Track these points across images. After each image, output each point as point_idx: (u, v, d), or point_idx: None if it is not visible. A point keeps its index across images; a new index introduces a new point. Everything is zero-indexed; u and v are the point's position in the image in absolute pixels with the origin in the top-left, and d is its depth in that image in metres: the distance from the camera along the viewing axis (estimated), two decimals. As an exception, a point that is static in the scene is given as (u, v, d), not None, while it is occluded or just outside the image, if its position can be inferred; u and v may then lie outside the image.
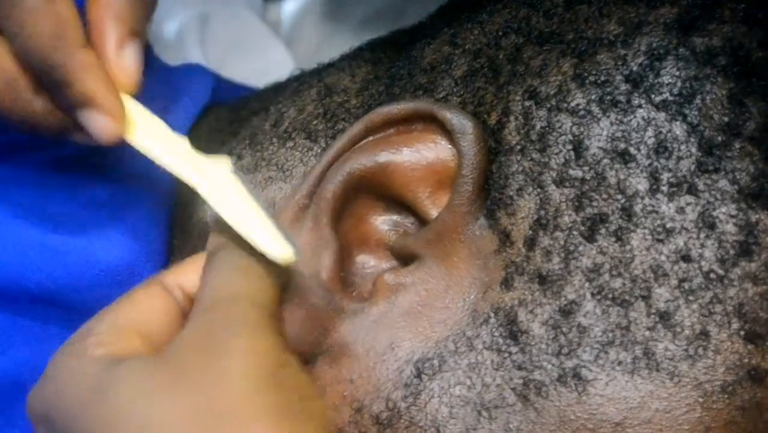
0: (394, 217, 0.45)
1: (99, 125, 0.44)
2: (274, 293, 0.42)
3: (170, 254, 0.51)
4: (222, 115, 0.54)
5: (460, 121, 0.43)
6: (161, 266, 0.50)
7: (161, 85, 0.54)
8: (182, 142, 0.45)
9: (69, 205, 0.50)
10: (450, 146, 0.43)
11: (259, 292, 0.41)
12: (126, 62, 0.45)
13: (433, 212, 0.44)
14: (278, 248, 0.42)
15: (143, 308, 0.43)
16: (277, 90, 0.54)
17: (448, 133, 0.43)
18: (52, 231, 0.49)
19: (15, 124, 0.46)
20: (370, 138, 0.45)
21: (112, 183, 0.51)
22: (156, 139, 0.45)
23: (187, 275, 0.44)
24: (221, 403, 0.37)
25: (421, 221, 0.44)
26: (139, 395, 0.38)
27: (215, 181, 0.44)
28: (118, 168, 0.51)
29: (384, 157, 0.44)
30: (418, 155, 0.44)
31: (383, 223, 0.45)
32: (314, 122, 0.49)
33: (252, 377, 0.38)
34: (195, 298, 0.42)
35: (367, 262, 0.44)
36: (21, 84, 0.45)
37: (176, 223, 0.52)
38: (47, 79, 0.44)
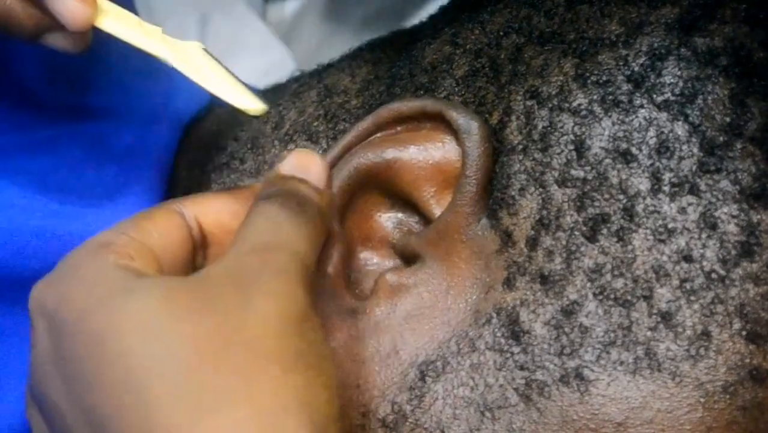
0: (399, 215, 0.45)
1: (69, 8, 0.44)
2: (315, 256, 0.41)
3: None
4: (222, 117, 0.54)
5: (467, 122, 0.43)
6: None
7: (161, 82, 0.54)
8: (155, 29, 0.46)
9: (69, 187, 0.50)
10: (457, 146, 0.44)
11: (303, 249, 0.40)
12: None
13: (437, 212, 0.44)
14: (249, 101, 0.43)
15: (162, 232, 0.42)
16: (276, 92, 0.54)
17: (455, 132, 0.43)
18: (52, 216, 0.49)
19: None
20: (379, 134, 0.45)
21: (112, 164, 0.51)
22: (128, 25, 0.46)
23: (206, 209, 0.44)
24: (244, 335, 0.37)
25: (425, 220, 0.44)
26: (163, 309, 0.37)
27: (186, 54, 0.45)
28: (118, 148, 0.51)
29: (391, 153, 0.44)
30: (426, 154, 0.44)
31: (388, 220, 0.45)
32: (315, 124, 0.49)
33: (279, 321, 0.37)
34: (236, 234, 0.41)
35: (370, 259, 0.45)
36: None
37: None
38: None
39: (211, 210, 0.44)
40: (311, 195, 0.42)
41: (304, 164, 0.43)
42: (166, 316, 0.37)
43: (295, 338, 0.37)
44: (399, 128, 0.45)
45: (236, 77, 0.44)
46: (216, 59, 0.45)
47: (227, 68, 0.45)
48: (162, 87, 0.55)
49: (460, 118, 0.43)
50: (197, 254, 0.43)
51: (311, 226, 0.41)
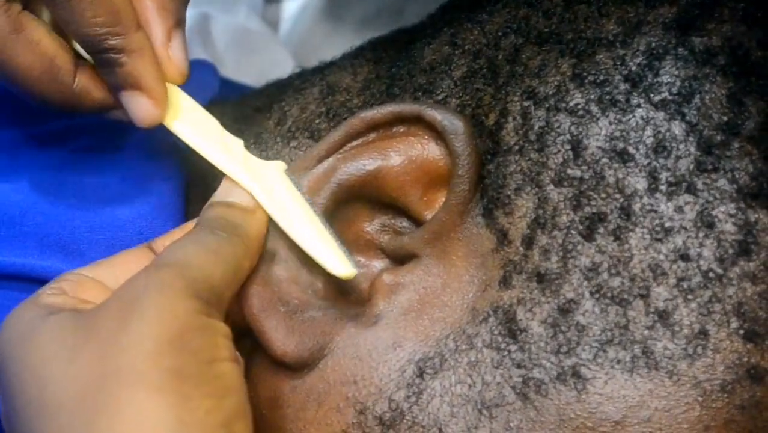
0: (383, 218, 0.45)
1: (141, 108, 0.45)
2: (225, 270, 0.42)
3: None
4: (225, 112, 0.54)
5: (451, 122, 0.43)
6: None
7: None
8: (236, 142, 0.46)
9: (91, 182, 0.50)
10: (438, 146, 0.44)
11: (196, 265, 0.41)
12: (175, 53, 0.46)
13: (426, 212, 0.44)
14: (337, 264, 0.43)
15: (120, 264, 0.44)
16: (279, 87, 0.54)
17: (435, 132, 0.44)
18: (77, 208, 0.49)
19: (52, 105, 0.47)
20: (352, 143, 0.45)
21: (124, 152, 0.51)
22: (204, 132, 0.46)
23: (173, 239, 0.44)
24: (115, 363, 0.38)
25: (414, 221, 0.44)
26: (55, 350, 0.39)
27: (269, 183, 0.45)
28: (130, 137, 0.51)
29: (372, 163, 0.44)
30: (407, 158, 0.44)
31: (370, 225, 0.45)
32: (317, 121, 0.49)
33: (153, 338, 0.39)
34: None
35: (358, 262, 0.44)
36: (60, 65, 0.45)
37: (195, 200, 0.52)
38: (99, 58, 0.45)
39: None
40: (234, 217, 0.44)
41: (229, 190, 0.45)
42: (57, 355, 0.39)
43: (170, 353, 0.39)
44: (372, 135, 0.45)
45: (323, 220, 0.44)
46: (297, 185, 0.44)
47: (309, 200, 0.44)
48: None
49: (445, 120, 0.43)
50: None
51: (225, 244, 0.42)
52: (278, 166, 0.45)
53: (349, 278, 0.43)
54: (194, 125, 0.46)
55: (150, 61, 0.45)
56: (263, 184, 0.44)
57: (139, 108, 0.45)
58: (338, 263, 0.43)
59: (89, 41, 0.45)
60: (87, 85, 0.46)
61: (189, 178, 0.51)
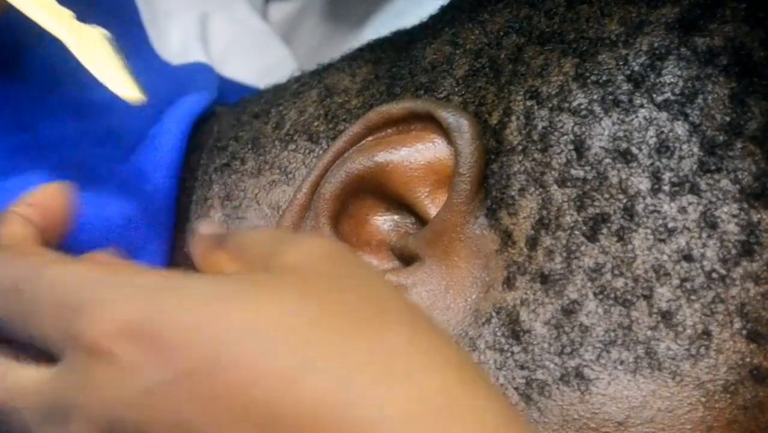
0: (395, 217, 0.45)
1: None
2: None
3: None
4: (223, 118, 0.54)
5: (456, 120, 0.43)
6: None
7: (165, 82, 0.54)
8: (66, 12, 0.47)
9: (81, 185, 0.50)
10: (448, 145, 0.44)
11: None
12: None
13: (433, 212, 0.44)
14: (128, 90, 0.45)
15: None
16: (277, 92, 0.54)
17: (446, 132, 0.43)
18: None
19: None
20: (370, 138, 0.45)
21: (122, 161, 0.51)
22: (36, 2, 0.47)
23: None
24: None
25: (421, 220, 0.44)
26: (302, 317, 0.35)
27: (87, 40, 0.47)
28: (127, 144, 0.51)
29: (382, 156, 0.44)
30: (417, 155, 0.44)
31: (384, 223, 0.45)
32: (315, 124, 0.49)
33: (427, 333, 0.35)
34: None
35: (369, 262, 0.44)
36: None
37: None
38: None
39: None
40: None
41: None
42: (306, 323, 0.34)
43: (452, 346, 0.37)
44: (389, 131, 0.45)
45: (128, 67, 0.46)
46: (115, 47, 0.47)
47: (123, 58, 0.46)
48: (168, 87, 0.55)
49: (450, 117, 0.43)
50: None
51: None
52: (101, 31, 0.47)
53: (137, 101, 0.45)
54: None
55: None
56: (81, 40, 0.46)
57: None
58: (127, 88, 0.45)
59: None
60: None
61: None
